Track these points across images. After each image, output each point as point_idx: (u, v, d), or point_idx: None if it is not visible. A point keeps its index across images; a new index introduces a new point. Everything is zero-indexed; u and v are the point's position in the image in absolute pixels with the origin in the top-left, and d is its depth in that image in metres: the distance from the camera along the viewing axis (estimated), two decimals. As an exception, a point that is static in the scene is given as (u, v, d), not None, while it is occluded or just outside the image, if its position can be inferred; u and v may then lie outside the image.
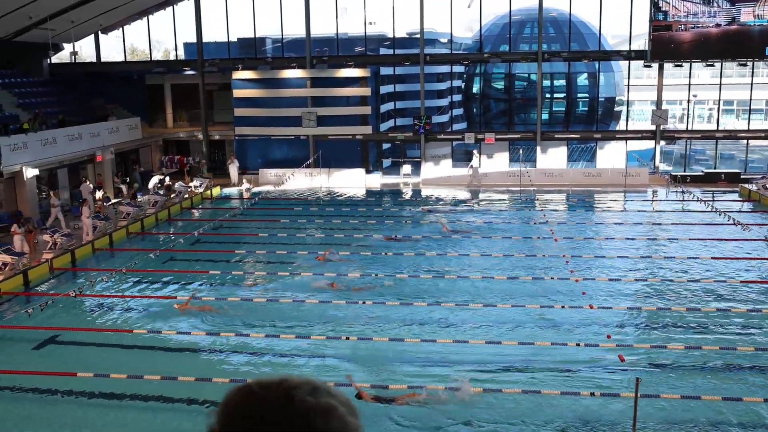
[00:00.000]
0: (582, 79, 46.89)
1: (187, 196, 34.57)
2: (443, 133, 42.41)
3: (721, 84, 39.00)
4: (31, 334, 17.40)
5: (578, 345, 15.95)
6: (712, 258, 23.27)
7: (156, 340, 17.08)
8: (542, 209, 31.52)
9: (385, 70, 42.67)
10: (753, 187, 33.70)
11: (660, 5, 36.36)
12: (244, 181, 37.44)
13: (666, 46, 36.79)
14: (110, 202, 32.00)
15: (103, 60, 43.36)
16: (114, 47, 68.38)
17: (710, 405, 13.24)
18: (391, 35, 41.28)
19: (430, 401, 13.30)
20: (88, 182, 31.77)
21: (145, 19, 41.61)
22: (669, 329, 17.23)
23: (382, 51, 43.10)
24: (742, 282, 20.79)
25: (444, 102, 47.15)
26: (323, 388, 1.62)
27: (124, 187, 34.87)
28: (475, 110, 48.62)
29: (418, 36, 39.50)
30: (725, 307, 18.69)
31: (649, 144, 40.04)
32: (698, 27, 36.28)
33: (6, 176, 27.87)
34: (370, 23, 41.06)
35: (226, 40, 41.38)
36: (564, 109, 46.42)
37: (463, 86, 50.02)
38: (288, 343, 16.63)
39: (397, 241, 26.02)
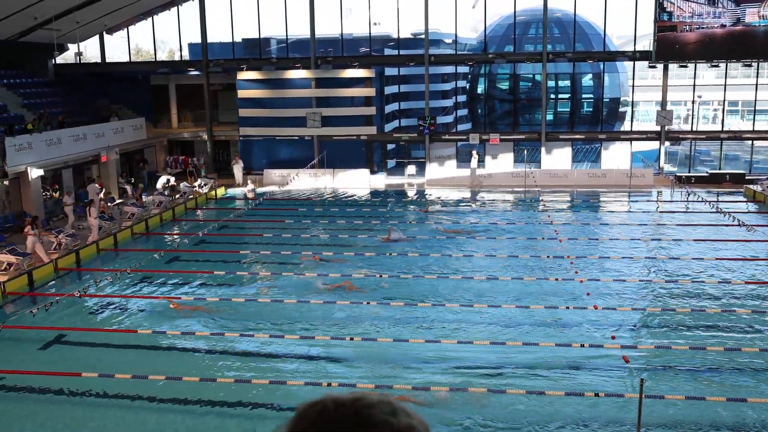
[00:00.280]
0: (587, 80, 46.83)
1: (192, 196, 34.61)
2: (448, 133, 42.38)
3: (725, 84, 38.91)
4: (36, 334, 17.43)
5: (582, 346, 15.93)
6: (717, 259, 23.22)
7: (160, 340, 17.11)
8: (547, 210, 31.49)
9: (390, 71, 42.69)
10: (758, 188, 33.61)
11: (665, 6, 36.31)
12: (248, 181, 37.48)
13: (671, 46, 36.73)
14: (114, 203, 32.04)
15: (107, 60, 43.46)
16: (119, 48, 68.49)
17: (715, 406, 13.22)
18: (395, 36, 41.30)
19: (421, 402, 13.33)
20: (94, 182, 31.88)
21: (149, 19, 41.69)
22: (673, 330, 17.20)
23: (387, 51, 43.11)
24: (746, 282, 20.76)
25: (449, 102, 47.14)
26: (401, 408, 1.60)
27: (128, 188, 34.91)
28: (479, 111, 48.60)
29: (423, 36, 39.49)
30: (730, 307, 18.66)
31: (653, 145, 39.97)
32: (703, 27, 36.22)
33: (11, 176, 27.95)
34: (375, 24, 41.11)
35: (231, 41, 41.44)
36: (569, 109, 46.37)
37: (467, 87, 50.01)
38: (291, 343, 16.63)
39: (393, 242, 26.04)
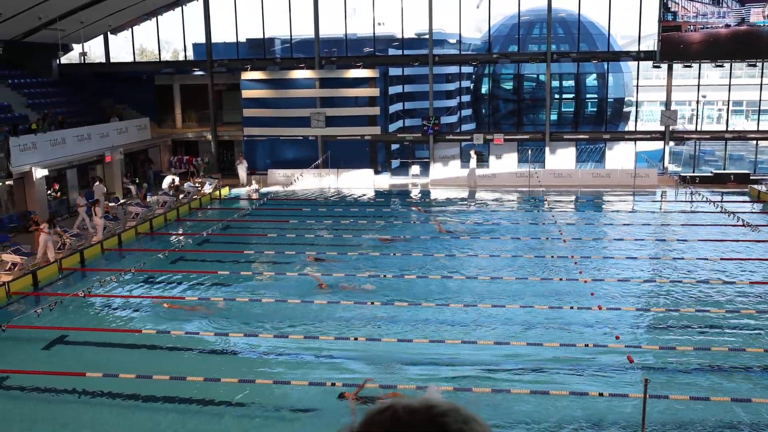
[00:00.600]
0: (591, 80, 46.79)
1: (196, 196, 34.65)
2: (452, 133, 42.38)
3: (730, 84, 38.84)
4: (40, 333, 17.46)
5: (587, 346, 15.91)
6: (721, 259, 23.18)
7: (164, 340, 17.12)
8: (551, 210, 31.46)
9: (394, 71, 42.69)
10: (762, 188, 33.53)
11: (669, 6, 36.24)
12: (252, 181, 37.51)
13: (675, 46, 36.67)
14: (119, 203, 32.09)
15: (112, 60, 43.48)
16: (123, 48, 68.56)
17: (719, 406, 13.19)
18: (399, 36, 41.29)
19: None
20: (100, 183, 31.99)
21: (154, 19, 41.73)
22: (678, 330, 17.17)
23: (391, 51, 43.09)
24: (751, 283, 20.72)
25: (453, 103, 47.10)
26: (471, 416, 1.58)
27: (132, 188, 34.97)
28: (483, 111, 48.58)
29: (427, 36, 39.48)
30: (734, 307, 18.63)
31: (658, 145, 39.91)
32: (707, 27, 36.15)
33: (15, 176, 28.00)
34: (379, 24, 41.08)
35: (235, 41, 41.45)
36: (573, 109, 46.33)
37: (471, 87, 49.97)
38: (295, 343, 16.63)
39: (389, 242, 26.07)
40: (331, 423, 12.94)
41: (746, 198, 33.75)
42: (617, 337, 16.44)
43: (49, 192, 31.10)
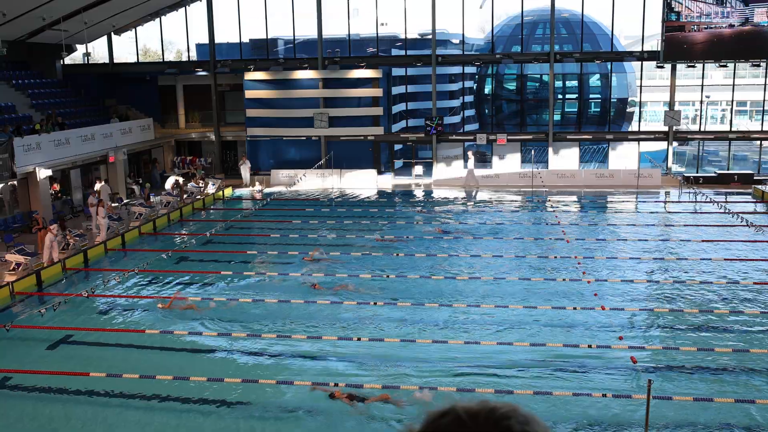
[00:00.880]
0: (594, 80, 46.76)
1: (199, 197, 34.69)
2: (455, 134, 42.38)
3: (734, 85, 38.79)
4: (44, 333, 17.49)
5: (590, 346, 15.90)
6: (725, 259, 23.14)
7: (168, 340, 17.14)
8: (554, 210, 31.44)
9: (397, 71, 42.70)
10: (766, 188, 33.47)
11: (673, 6, 36.20)
12: (256, 181, 37.51)
13: (679, 46, 36.63)
14: (122, 203, 32.14)
15: (115, 61, 43.57)
16: (126, 48, 68.67)
17: (723, 407, 13.17)
18: (403, 36, 41.30)
19: (402, 401, 13.38)
20: (106, 183, 32.14)
21: (157, 20, 41.79)
22: (681, 331, 17.15)
23: (394, 52, 43.12)
24: (755, 283, 20.68)
25: (456, 103, 47.11)
26: (531, 417, 1.59)
27: (136, 188, 35.02)
28: (486, 111, 48.57)
29: (430, 37, 39.48)
30: (738, 308, 18.60)
31: (661, 145, 39.87)
32: (711, 27, 36.11)
33: (19, 177, 28.05)
34: (382, 24, 41.11)
35: (238, 41, 41.50)
36: (576, 110, 46.30)
37: (475, 87, 49.97)
38: (298, 343, 16.64)
39: (384, 242, 26.10)
40: (333, 423, 12.95)
41: (750, 198, 33.69)
42: (620, 338, 16.42)
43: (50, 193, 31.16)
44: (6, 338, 17.09)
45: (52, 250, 23.34)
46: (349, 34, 40.36)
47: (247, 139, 41.19)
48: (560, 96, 45.94)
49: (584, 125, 44.95)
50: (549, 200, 33.26)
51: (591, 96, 47.05)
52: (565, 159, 39.69)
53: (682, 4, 36.15)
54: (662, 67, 38.85)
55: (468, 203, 34.79)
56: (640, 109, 42.76)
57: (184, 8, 41.34)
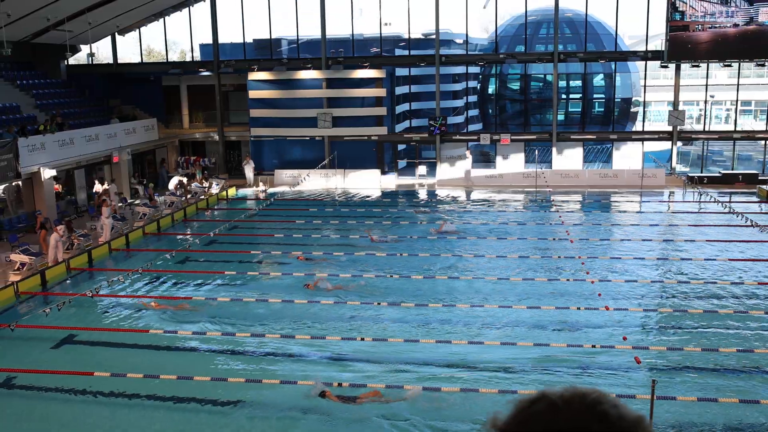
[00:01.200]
0: (598, 80, 46.67)
1: (202, 197, 34.73)
2: (459, 134, 42.34)
3: (738, 84, 38.70)
4: (48, 333, 17.53)
5: (594, 347, 15.88)
6: (730, 260, 23.10)
7: (172, 340, 17.17)
8: (558, 210, 31.41)
9: (401, 71, 42.69)
10: (771, 188, 33.41)
11: (677, 5, 36.14)
12: (259, 182, 37.53)
13: (683, 46, 36.56)
14: (126, 203, 32.19)
15: (119, 61, 43.64)
16: (130, 48, 68.74)
17: (727, 407, 13.15)
18: (406, 36, 41.30)
19: (392, 399, 13.39)
20: (113, 183, 32.30)
21: (161, 20, 41.85)
22: (685, 331, 17.11)
23: (398, 52, 43.10)
24: (760, 284, 20.64)
25: (459, 103, 47.07)
26: (620, 402, 1.56)
27: (140, 188, 35.07)
28: (490, 111, 48.53)
29: (434, 37, 39.48)
30: (742, 309, 18.56)
31: (665, 145, 39.80)
32: (716, 27, 36.03)
33: (24, 177, 28.11)
34: (386, 24, 41.09)
35: (242, 41, 41.53)
36: (580, 109, 46.23)
37: (478, 87, 49.91)
38: (302, 343, 16.65)
39: (380, 243, 26.09)
40: (336, 422, 12.95)
41: (755, 198, 33.62)
42: (624, 338, 16.40)
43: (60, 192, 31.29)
44: (10, 338, 17.13)
45: (57, 250, 23.39)
46: (352, 34, 40.37)
47: (251, 139, 41.22)
48: (564, 96, 45.89)
49: (588, 125, 44.87)
50: (553, 200, 33.23)
51: (595, 96, 46.96)
52: (568, 159, 39.65)
53: (686, 3, 36.09)
54: (666, 66, 38.79)
55: (472, 203, 34.74)
56: (644, 108, 42.66)
57: (187, 8, 41.38)
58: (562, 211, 31.28)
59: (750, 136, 40.15)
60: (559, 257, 23.64)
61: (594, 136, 41.87)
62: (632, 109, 47.15)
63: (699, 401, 13.34)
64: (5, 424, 13.51)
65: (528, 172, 37.89)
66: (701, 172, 38.57)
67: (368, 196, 36.34)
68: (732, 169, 39.06)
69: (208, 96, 42.58)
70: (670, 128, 38.65)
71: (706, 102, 41.58)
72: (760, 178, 36.39)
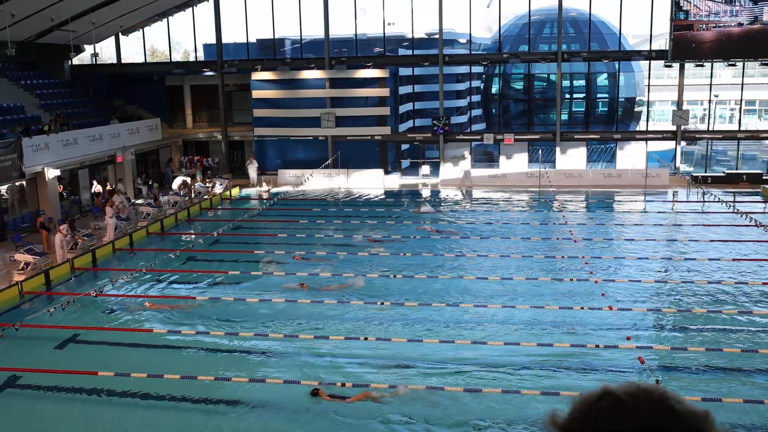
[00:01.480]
0: (602, 80, 46.63)
1: (206, 197, 34.77)
2: (462, 133, 42.33)
3: (743, 84, 38.64)
4: (52, 333, 17.56)
5: (597, 346, 15.86)
6: (734, 259, 23.05)
7: (176, 339, 17.19)
8: (561, 210, 31.38)
9: (404, 71, 42.68)
10: (775, 188, 33.34)
11: (681, 4, 36.07)
12: (263, 181, 37.55)
13: (687, 45, 36.49)
14: (130, 203, 32.22)
15: (123, 61, 43.70)
16: (134, 48, 68.84)
17: (731, 407, 13.12)
18: (409, 36, 41.29)
19: (383, 399, 13.40)
20: (121, 183, 32.48)
21: (165, 20, 41.91)
22: (689, 331, 17.09)
23: (401, 51, 43.10)
24: (764, 284, 20.59)
25: (463, 103, 47.04)
26: (683, 398, 1.55)
27: (144, 188, 35.12)
28: (494, 111, 48.51)
29: (437, 36, 39.47)
30: (746, 308, 18.53)
31: (669, 145, 39.74)
32: (720, 26, 35.96)
33: (28, 177, 28.16)
34: (389, 24, 41.07)
35: (245, 41, 41.56)
36: (584, 109, 46.19)
37: (482, 87, 49.89)
38: (305, 342, 16.65)
39: (377, 242, 26.11)
40: (339, 422, 12.95)
41: (759, 198, 33.55)
42: (628, 338, 16.38)
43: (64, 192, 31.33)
44: (15, 337, 17.15)
45: (62, 250, 23.47)
46: (356, 34, 40.37)
47: (254, 138, 41.25)
48: (568, 95, 45.83)
49: (592, 125, 44.84)
50: (556, 200, 33.20)
51: (599, 95, 46.91)
52: (572, 159, 39.61)
53: (690, 2, 36.02)
54: (670, 66, 38.72)
55: (475, 203, 34.72)
56: (648, 108, 42.63)
57: (191, 8, 41.43)
58: (565, 211, 31.24)
59: (754, 135, 40.07)
60: (563, 257, 23.62)
61: (598, 136, 41.82)
62: (636, 109, 47.08)
63: (703, 401, 13.31)
64: (10, 423, 13.54)
65: (531, 172, 37.86)
66: (705, 172, 38.50)
67: (374, 196, 36.31)
68: (736, 169, 38.98)
69: (211, 96, 42.62)
70: (674, 128, 38.59)
71: (710, 101, 41.51)
72: (764, 177, 36.30)
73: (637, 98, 46.91)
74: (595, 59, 41.07)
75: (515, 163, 39.60)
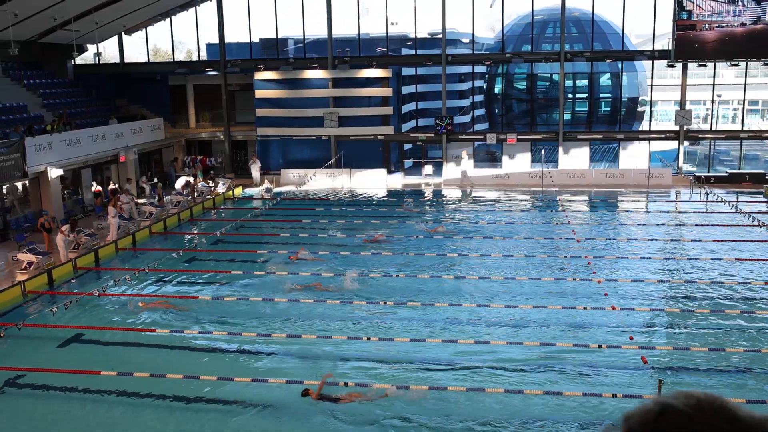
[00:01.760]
0: (605, 79, 46.61)
1: (209, 196, 34.80)
2: (465, 133, 42.32)
3: (746, 84, 38.58)
4: (55, 332, 17.58)
5: (600, 346, 15.84)
6: (736, 259, 23.02)
7: (178, 339, 17.20)
8: (564, 210, 31.36)
9: (407, 71, 42.69)
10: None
11: (684, 4, 36.03)
12: (266, 181, 37.55)
13: (690, 45, 36.45)
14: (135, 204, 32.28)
15: (126, 61, 43.75)
16: (137, 48, 68.88)
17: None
18: (412, 35, 41.28)
19: (374, 399, 13.42)
20: (128, 182, 32.55)
21: (167, 20, 41.94)
22: (692, 331, 17.07)
23: (404, 51, 43.11)
24: (766, 284, 20.56)
25: (466, 102, 47.05)
26: (738, 404, 1.54)
27: (147, 187, 35.14)
28: (496, 110, 48.49)
29: (440, 36, 39.44)
30: (749, 308, 18.50)
31: (672, 144, 39.70)
32: (723, 26, 35.91)
33: (31, 176, 28.20)
34: (392, 24, 41.12)
35: (249, 41, 41.59)
36: (586, 109, 46.17)
37: (485, 86, 49.90)
38: (307, 342, 16.65)
39: (375, 242, 26.09)
40: (341, 422, 12.95)
41: (762, 198, 33.50)
42: (631, 338, 16.36)
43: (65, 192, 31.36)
44: (17, 337, 17.18)
45: (66, 251, 23.52)
46: (359, 34, 40.38)
47: (257, 138, 41.27)
48: (570, 95, 45.80)
49: (594, 125, 44.82)
50: (559, 200, 33.17)
51: (601, 95, 46.91)
52: (575, 158, 39.58)
53: (693, 2, 35.98)
54: (673, 66, 38.66)
55: (477, 203, 34.71)
56: (650, 108, 42.56)
57: (194, 8, 41.46)
58: (568, 211, 31.22)
59: (757, 135, 40.01)
60: (566, 257, 23.60)
61: (600, 136, 41.80)
62: (639, 109, 47.05)
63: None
64: (12, 422, 13.56)
65: (534, 172, 37.85)
66: (708, 172, 38.46)
67: (377, 196, 36.30)
68: (739, 169, 38.93)
69: (214, 95, 42.65)
70: (676, 128, 38.53)
71: (713, 101, 41.47)
72: (767, 177, 36.25)
73: (640, 98, 46.89)
74: (598, 59, 41.05)
75: (518, 163, 39.58)
